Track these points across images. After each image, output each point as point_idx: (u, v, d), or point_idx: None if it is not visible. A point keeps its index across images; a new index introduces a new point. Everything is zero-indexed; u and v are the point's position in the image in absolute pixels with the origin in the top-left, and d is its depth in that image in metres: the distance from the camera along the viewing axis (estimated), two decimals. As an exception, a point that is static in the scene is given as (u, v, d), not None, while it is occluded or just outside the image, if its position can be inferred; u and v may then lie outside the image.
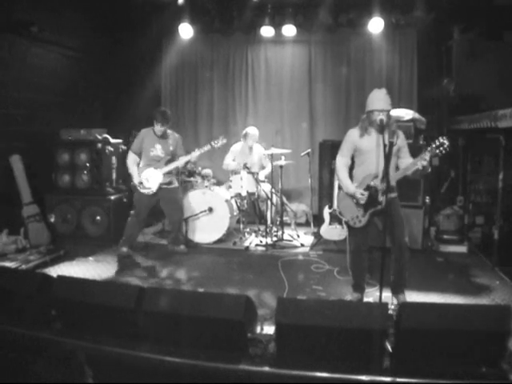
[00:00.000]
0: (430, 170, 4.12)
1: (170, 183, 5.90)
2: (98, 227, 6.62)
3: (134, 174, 5.81)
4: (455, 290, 4.75)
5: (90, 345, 2.97)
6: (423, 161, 3.90)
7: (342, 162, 4.36)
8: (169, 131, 5.94)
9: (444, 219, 6.44)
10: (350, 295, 4.54)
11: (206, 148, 5.86)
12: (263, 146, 7.19)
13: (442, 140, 3.81)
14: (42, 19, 6.43)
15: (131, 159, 5.89)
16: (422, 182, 6.00)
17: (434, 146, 3.84)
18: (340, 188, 4.49)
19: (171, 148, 5.88)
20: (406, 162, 4.14)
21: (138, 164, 5.89)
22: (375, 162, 4.13)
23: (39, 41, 6.62)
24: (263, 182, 6.85)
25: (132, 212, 5.98)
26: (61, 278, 3.46)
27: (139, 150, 5.88)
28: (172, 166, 5.83)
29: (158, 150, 5.82)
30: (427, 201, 6.21)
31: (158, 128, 5.76)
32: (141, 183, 5.76)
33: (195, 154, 5.82)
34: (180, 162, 5.88)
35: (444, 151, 3.81)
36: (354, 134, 4.31)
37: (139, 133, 5.97)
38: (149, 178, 5.77)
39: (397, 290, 4.33)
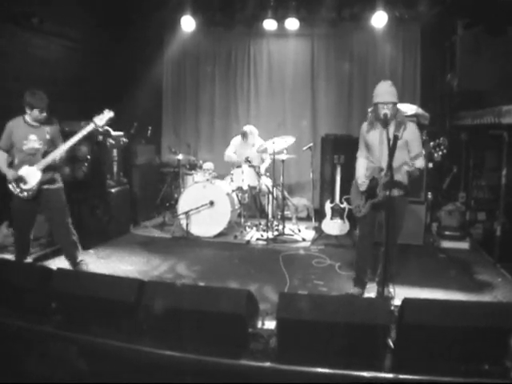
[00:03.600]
0: (418, 172, 4.12)
1: (51, 181, 4.73)
2: (98, 220, 6.59)
3: (7, 173, 4.63)
4: (457, 286, 4.73)
5: (89, 338, 2.95)
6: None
7: (361, 156, 4.39)
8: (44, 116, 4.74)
9: (446, 215, 6.41)
10: (351, 290, 4.52)
11: (89, 128, 4.73)
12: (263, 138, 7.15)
13: (439, 141, 3.86)
14: (43, 10, 6.38)
15: None
16: (425, 177, 5.99)
17: (431, 145, 3.89)
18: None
19: (48, 136, 4.68)
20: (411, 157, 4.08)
21: (11, 163, 4.68)
22: (380, 156, 4.11)
23: (40, 32, 6.57)
24: (264, 175, 6.82)
25: (12, 225, 5.08)
26: (60, 270, 3.45)
27: (7, 145, 4.66)
28: (50, 158, 4.60)
29: (32, 142, 4.63)
30: (429, 196, 6.19)
31: (36, 114, 4.61)
32: (16, 181, 4.59)
33: (74, 138, 4.63)
34: (59, 151, 4.61)
35: (441, 152, 3.86)
36: (363, 128, 4.29)
37: (6, 126, 4.70)
38: (26, 178, 4.60)
39: (382, 283, 4.16)
